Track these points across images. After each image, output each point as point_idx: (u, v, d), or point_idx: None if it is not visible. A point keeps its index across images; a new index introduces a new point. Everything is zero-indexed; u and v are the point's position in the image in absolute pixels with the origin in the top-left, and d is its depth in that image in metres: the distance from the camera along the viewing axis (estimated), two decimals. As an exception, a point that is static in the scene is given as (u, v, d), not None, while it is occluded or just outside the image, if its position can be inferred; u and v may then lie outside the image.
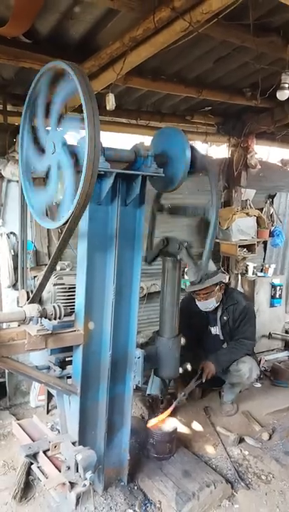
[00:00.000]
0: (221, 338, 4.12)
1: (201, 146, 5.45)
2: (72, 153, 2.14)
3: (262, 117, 4.95)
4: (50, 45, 3.08)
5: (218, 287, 3.90)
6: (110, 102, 3.51)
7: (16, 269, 3.80)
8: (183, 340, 3.21)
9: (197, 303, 3.96)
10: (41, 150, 2.34)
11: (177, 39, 2.77)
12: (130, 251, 2.68)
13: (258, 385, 4.56)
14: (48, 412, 3.89)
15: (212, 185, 2.81)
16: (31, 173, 2.50)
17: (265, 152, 5.96)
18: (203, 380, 3.84)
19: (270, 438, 3.64)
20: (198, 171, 2.80)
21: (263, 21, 2.89)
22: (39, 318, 2.31)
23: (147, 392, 3.66)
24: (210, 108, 4.83)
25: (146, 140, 3.63)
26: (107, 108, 3.56)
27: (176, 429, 3.26)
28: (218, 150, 5.61)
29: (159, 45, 2.83)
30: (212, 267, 3.85)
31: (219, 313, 4.05)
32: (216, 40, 3.18)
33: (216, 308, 4.02)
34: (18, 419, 3.66)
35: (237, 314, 3.99)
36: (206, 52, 3.51)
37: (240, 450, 3.47)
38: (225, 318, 4.03)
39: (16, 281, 3.85)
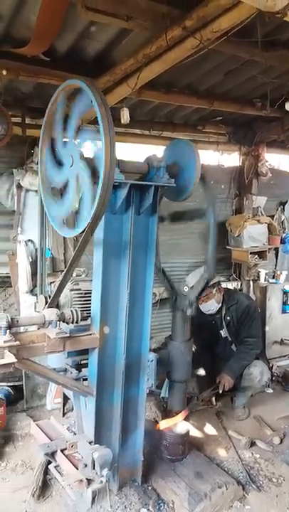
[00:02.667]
0: (230, 339, 4.21)
1: (213, 155, 5.56)
2: (89, 165, 2.25)
3: (272, 126, 5.04)
4: (68, 62, 3.23)
5: (216, 289, 4.01)
6: (125, 116, 3.65)
7: (33, 275, 3.94)
8: (194, 347, 3.30)
9: (200, 306, 4.05)
10: (59, 163, 2.47)
11: (188, 55, 2.89)
12: (143, 258, 2.78)
13: (270, 390, 4.60)
14: (63, 415, 4.01)
15: (206, 190, 2.97)
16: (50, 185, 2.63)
17: (276, 160, 6.06)
18: (220, 392, 3.97)
19: (281, 442, 3.68)
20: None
21: (271, 38, 2.99)
22: (58, 322, 2.43)
23: (161, 395, 3.73)
24: (221, 118, 4.94)
25: (159, 150, 3.76)
26: (122, 122, 3.70)
27: (188, 431, 3.33)
28: (229, 158, 5.70)
29: (171, 61, 2.96)
30: None
31: (223, 314, 4.16)
32: (226, 54, 3.30)
33: (220, 310, 4.13)
34: (34, 421, 3.77)
35: (240, 313, 4.09)
36: (215, 67, 3.63)
37: (252, 453, 3.52)
38: (228, 318, 4.14)
39: (34, 286, 3.99)
